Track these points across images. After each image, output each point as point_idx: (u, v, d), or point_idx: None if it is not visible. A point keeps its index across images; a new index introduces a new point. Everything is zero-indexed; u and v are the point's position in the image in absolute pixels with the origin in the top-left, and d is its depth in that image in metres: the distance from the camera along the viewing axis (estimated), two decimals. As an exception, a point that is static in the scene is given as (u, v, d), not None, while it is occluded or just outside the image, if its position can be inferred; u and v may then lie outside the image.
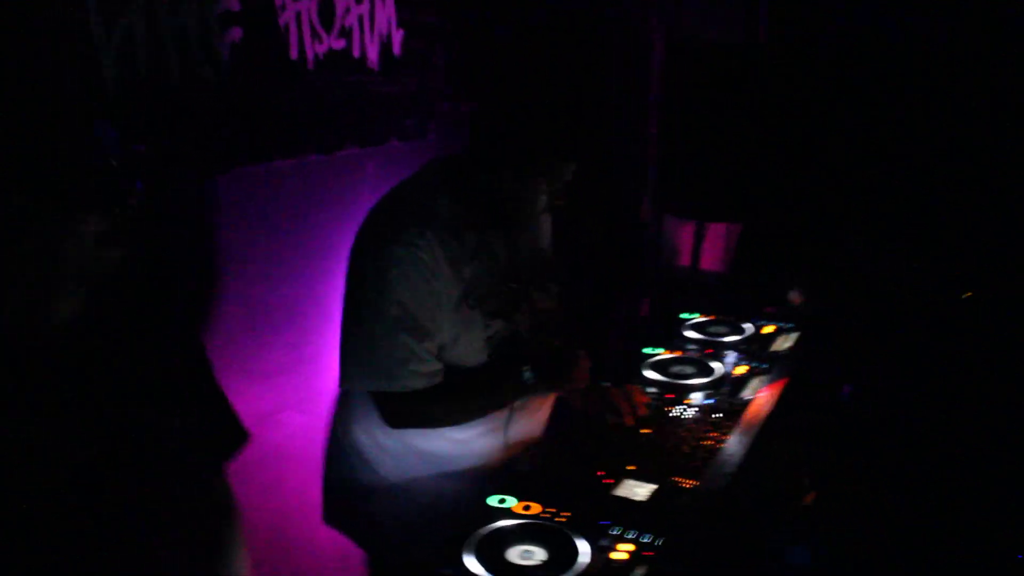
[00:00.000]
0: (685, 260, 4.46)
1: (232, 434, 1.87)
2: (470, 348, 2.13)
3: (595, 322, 4.12)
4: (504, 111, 2.05)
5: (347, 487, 2.30)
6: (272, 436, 2.79)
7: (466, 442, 2.23)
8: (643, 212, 4.32)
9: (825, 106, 3.74)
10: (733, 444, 2.24)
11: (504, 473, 2.18)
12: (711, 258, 4.55)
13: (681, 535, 1.87)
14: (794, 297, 3.04)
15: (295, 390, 2.81)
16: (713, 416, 2.40)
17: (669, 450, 2.22)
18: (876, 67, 3.86)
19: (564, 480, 2.10)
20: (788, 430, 2.33)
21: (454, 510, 2.06)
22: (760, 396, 2.50)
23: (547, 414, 2.44)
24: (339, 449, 2.32)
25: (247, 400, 2.67)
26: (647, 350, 2.85)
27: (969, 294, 2.94)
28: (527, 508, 1.97)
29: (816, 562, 2.01)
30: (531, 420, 2.36)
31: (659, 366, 2.71)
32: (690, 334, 2.97)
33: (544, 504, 1.98)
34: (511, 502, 2.00)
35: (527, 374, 2.15)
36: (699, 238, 4.13)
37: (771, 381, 2.59)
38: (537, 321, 2.26)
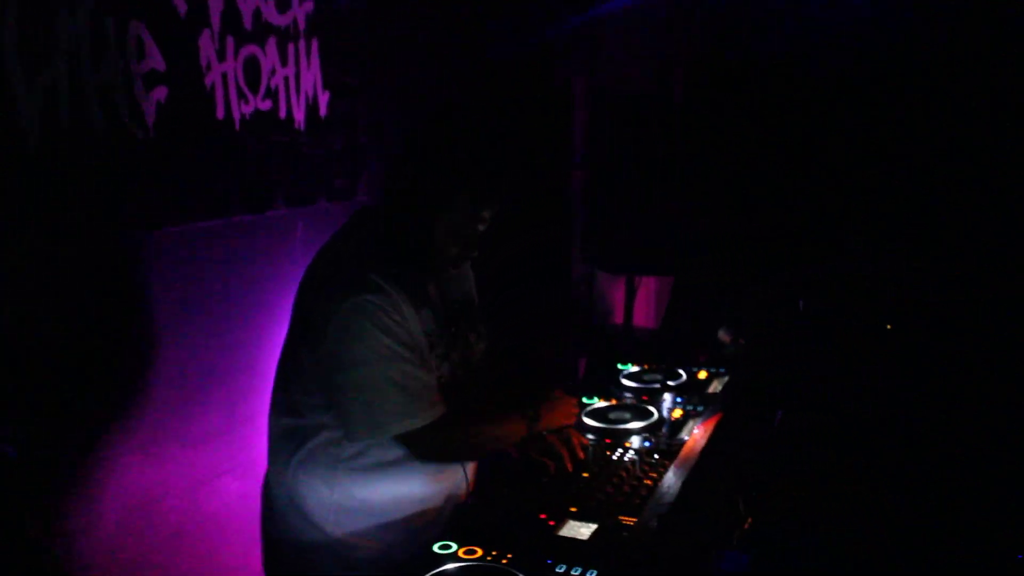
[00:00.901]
0: (618, 317, 4.50)
1: None
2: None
3: (532, 383, 4.12)
4: (416, 156, 2.11)
5: (290, 547, 2.25)
6: (209, 503, 2.72)
7: (416, 488, 2.22)
8: (573, 271, 4.37)
9: (744, 153, 3.86)
10: (669, 479, 2.26)
11: (448, 519, 2.17)
12: (644, 314, 4.61)
13: (621, 569, 1.87)
14: (724, 336, 3.09)
15: (231, 454, 2.75)
16: (653, 457, 2.41)
17: (610, 491, 2.22)
18: (794, 115, 4.01)
19: (506, 523, 2.08)
20: (723, 459, 2.35)
21: (401, 561, 2.03)
22: (696, 433, 2.53)
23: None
24: (279, 509, 2.26)
25: (181, 466, 2.62)
26: (585, 399, 2.86)
27: (889, 327, 3.02)
28: (470, 552, 1.95)
29: (753, 568, 2.02)
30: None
31: (597, 414, 2.71)
32: (626, 383, 3.00)
33: (487, 547, 1.96)
34: (454, 548, 1.98)
35: (532, 414, 2.27)
36: (631, 294, 4.18)
37: (706, 419, 2.62)
38: (472, 364, 2.28)
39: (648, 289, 4.71)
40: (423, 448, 2.15)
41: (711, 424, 2.54)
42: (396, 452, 2.17)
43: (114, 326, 2.38)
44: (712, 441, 2.43)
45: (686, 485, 2.20)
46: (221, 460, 2.73)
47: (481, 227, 2.16)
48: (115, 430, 2.41)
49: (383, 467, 2.18)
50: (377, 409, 2.07)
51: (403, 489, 2.20)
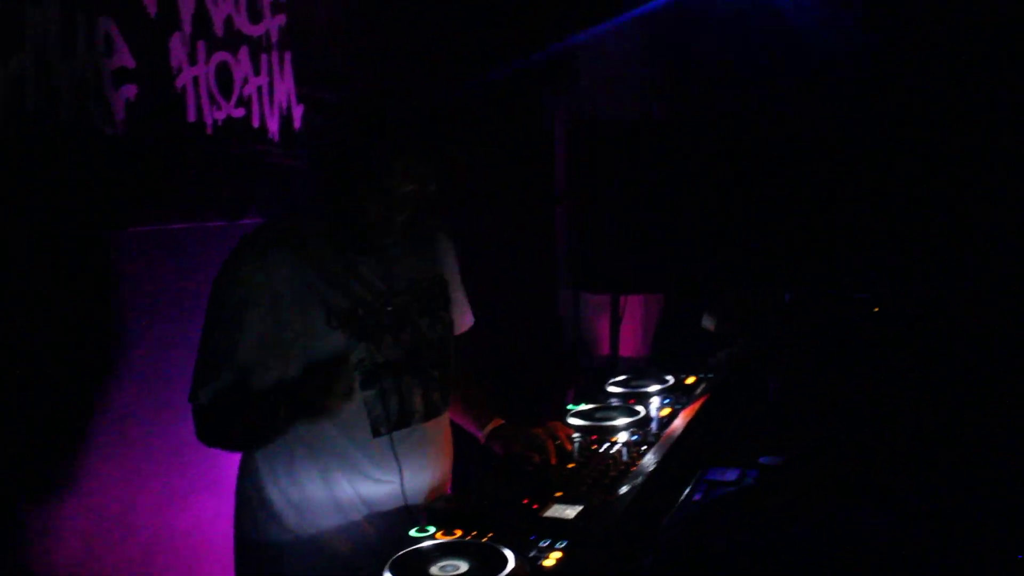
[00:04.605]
0: (604, 349, 4.43)
1: None
2: (334, 374, 1.97)
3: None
4: (355, 129, 2.04)
5: (257, 547, 2.14)
6: (182, 519, 2.62)
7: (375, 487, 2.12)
8: (560, 304, 4.32)
9: (727, 167, 3.85)
10: (649, 458, 2.24)
11: (422, 511, 2.07)
12: (630, 345, 4.55)
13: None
14: (708, 324, 3.02)
15: (205, 470, 2.66)
16: (641, 449, 2.33)
17: (596, 477, 2.14)
18: (768, 132, 4.03)
19: (488, 509, 2.00)
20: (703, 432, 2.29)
21: (371, 557, 1.92)
22: (680, 417, 2.51)
23: (448, 461, 2.33)
24: (247, 507, 2.16)
25: (151, 479, 2.53)
26: (571, 407, 2.78)
27: (876, 309, 2.97)
28: (450, 535, 1.86)
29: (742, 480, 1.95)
30: (426, 466, 2.22)
31: (584, 415, 2.64)
32: (613, 389, 2.93)
33: (467, 530, 1.88)
34: (432, 531, 1.89)
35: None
36: (616, 323, 4.13)
37: (690, 404, 2.58)
38: (418, 348, 2.16)
39: (634, 320, 4.66)
40: (198, 429, 2.06)
41: (696, 406, 2.50)
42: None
43: (78, 329, 2.31)
44: (694, 420, 2.38)
45: (663, 460, 2.14)
46: (195, 475, 2.64)
47: (407, 190, 2.01)
48: (80, 438, 2.33)
49: (342, 458, 2.07)
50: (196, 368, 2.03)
51: (367, 483, 2.10)
